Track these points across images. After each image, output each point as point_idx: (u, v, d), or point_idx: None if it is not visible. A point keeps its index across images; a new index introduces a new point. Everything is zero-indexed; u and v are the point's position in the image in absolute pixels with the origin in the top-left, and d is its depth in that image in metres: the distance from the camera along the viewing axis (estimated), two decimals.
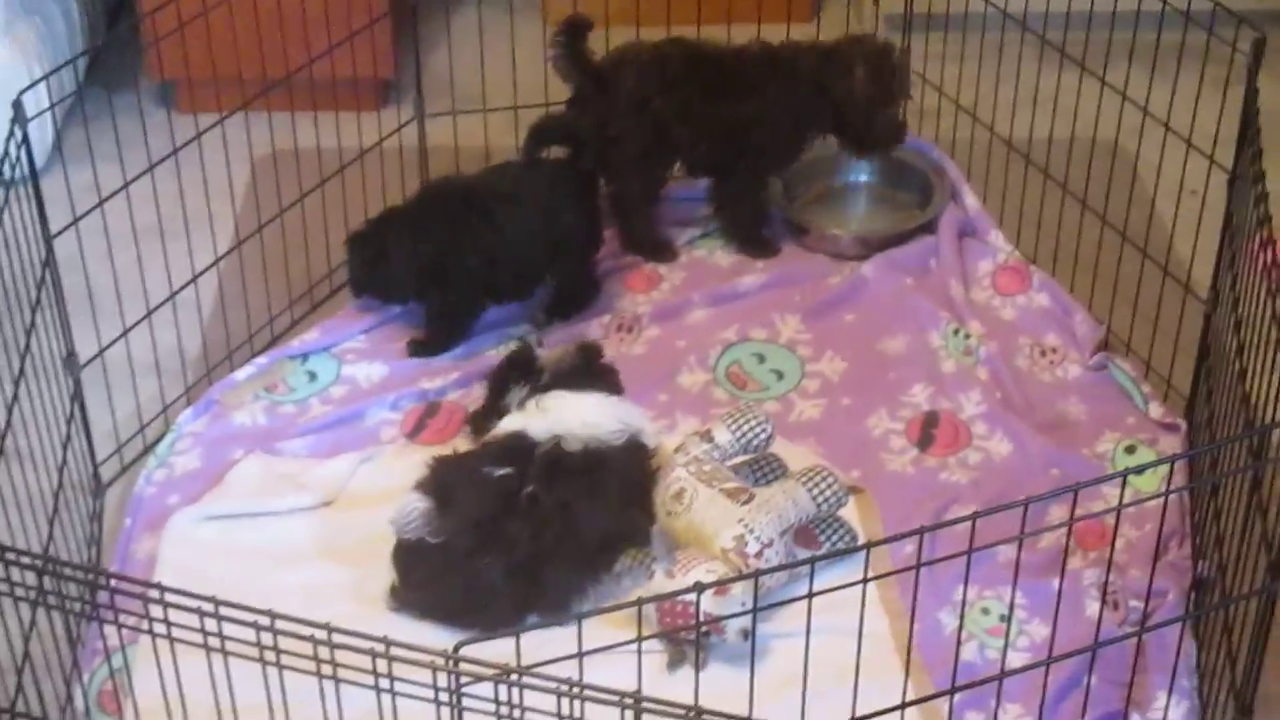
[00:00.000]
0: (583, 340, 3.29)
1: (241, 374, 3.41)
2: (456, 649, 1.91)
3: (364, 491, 3.13)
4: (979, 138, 3.81)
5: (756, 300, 3.62)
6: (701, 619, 2.68)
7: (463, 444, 3.17)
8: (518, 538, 2.79)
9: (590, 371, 3.13)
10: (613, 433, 2.94)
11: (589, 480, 2.87)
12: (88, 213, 3.05)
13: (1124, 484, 2.19)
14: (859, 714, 2.27)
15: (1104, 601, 2.79)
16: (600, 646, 2.05)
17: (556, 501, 2.82)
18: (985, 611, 2.92)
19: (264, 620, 1.97)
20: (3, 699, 2.28)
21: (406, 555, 2.85)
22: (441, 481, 2.86)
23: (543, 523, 2.81)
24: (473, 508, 2.81)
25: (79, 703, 2.70)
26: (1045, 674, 2.36)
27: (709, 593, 2.69)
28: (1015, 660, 2.72)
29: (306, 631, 1.97)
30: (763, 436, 3.05)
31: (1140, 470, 2.26)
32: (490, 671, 1.89)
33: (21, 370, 2.73)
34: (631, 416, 3.02)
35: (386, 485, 3.15)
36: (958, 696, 2.64)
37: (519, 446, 2.88)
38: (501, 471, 2.83)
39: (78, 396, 3.08)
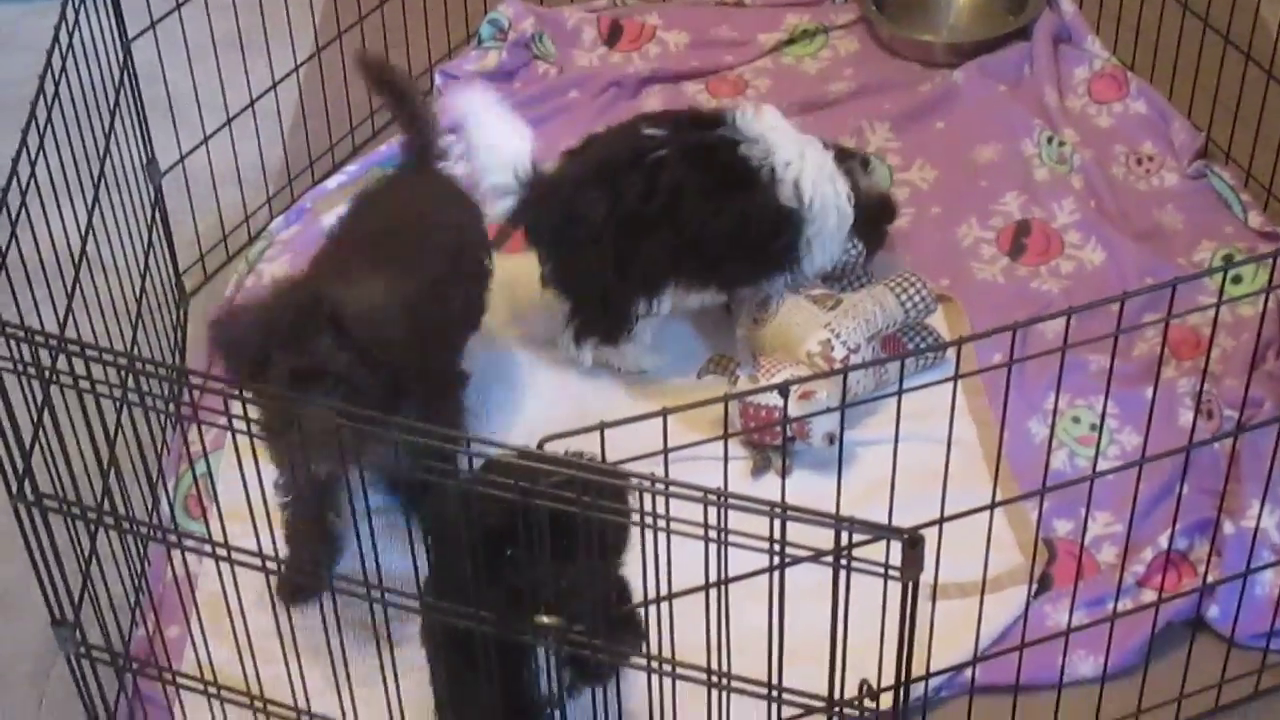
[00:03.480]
0: None
1: (333, 182, 3.40)
2: (541, 444, 1.89)
3: None
4: None
5: (846, 108, 3.55)
6: (787, 423, 2.66)
7: None
8: (626, 188, 2.83)
9: None
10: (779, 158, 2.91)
11: (710, 181, 2.86)
12: (166, 15, 3.03)
13: (1224, 280, 2.13)
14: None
15: (1198, 410, 2.73)
16: (686, 443, 2.03)
17: (672, 181, 2.84)
18: (1076, 420, 2.89)
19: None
20: (91, 504, 2.29)
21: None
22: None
23: (651, 189, 2.83)
24: (603, 147, 2.90)
25: (164, 507, 2.72)
26: (1138, 476, 2.31)
27: (794, 397, 2.67)
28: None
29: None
30: (853, 253, 3.01)
31: (1241, 265, 2.17)
32: (570, 468, 1.87)
33: (101, 173, 2.71)
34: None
35: None
36: (1047, 504, 2.62)
37: (692, 123, 2.92)
38: (652, 130, 2.88)
39: (159, 204, 3.07)
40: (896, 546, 1.79)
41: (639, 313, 2.93)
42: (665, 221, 2.86)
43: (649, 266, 2.89)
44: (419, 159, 2.88)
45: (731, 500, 1.82)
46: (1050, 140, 3.42)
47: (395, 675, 2.25)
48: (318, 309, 2.27)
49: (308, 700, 2.30)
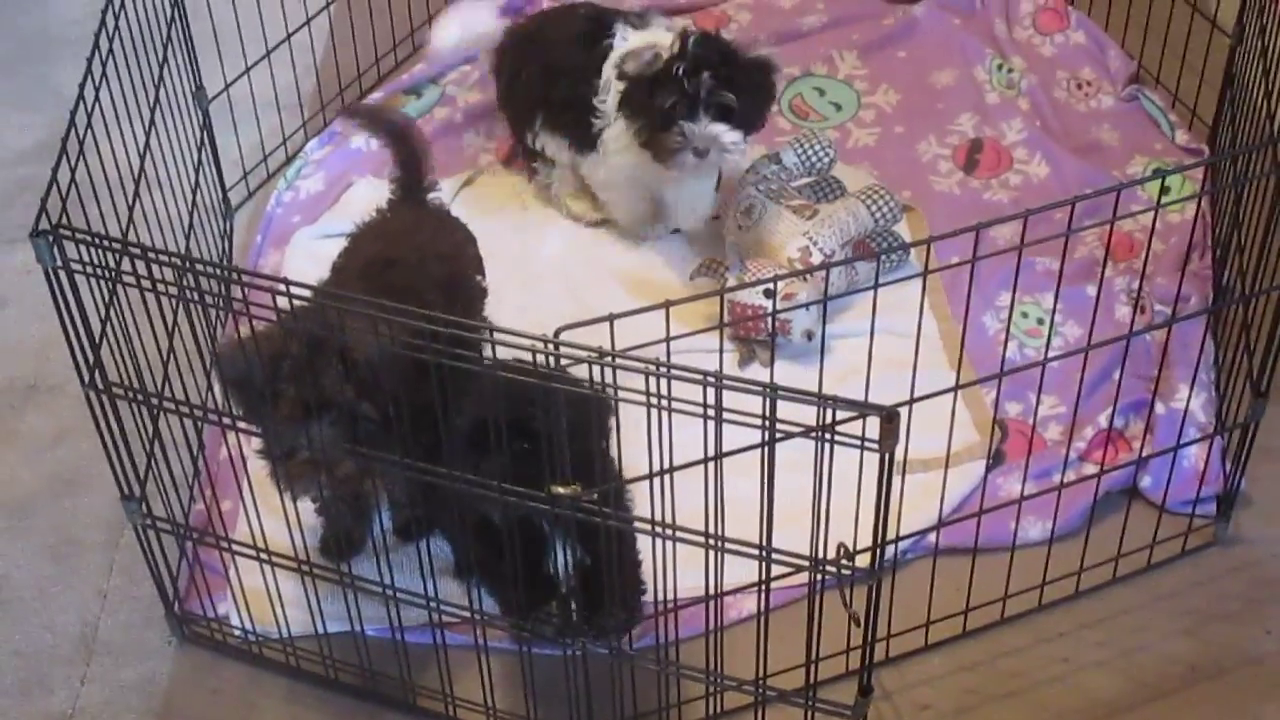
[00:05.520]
0: None
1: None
2: (557, 334, 1.86)
3: (463, 212, 3.06)
4: None
5: (817, 39, 3.49)
6: (770, 322, 2.63)
7: None
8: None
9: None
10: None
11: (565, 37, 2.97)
12: None
13: (1161, 188, 2.10)
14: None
15: (1136, 305, 2.72)
16: (686, 333, 2.00)
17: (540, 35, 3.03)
18: (1024, 315, 2.86)
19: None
20: (154, 391, 2.26)
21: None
22: None
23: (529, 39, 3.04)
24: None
25: (219, 393, 2.68)
26: (1083, 363, 2.29)
27: (778, 298, 2.62)
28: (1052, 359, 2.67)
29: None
30: (826, 160, 2.97)
31: (1171, 174, 2.13)
32: (585, 354, 1.84)
33: (156, 100, 2.66)
34: None
35: (483, 205, 3.10)
36: (998, 389, 2.61)
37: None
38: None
39: (207, 127, 3.01)
40: (873, 423, 1.77)
41: (528, 143, 3.07)
42: (532, 62, 3.02)
43: (517, 98, 3.07)
44: (412, 192, 2.70)
45: (726, 381, 1.79)
46: (1000, 67, 3.38)
47: (428, 544, 2.23)
48: (328, 346, 2.08)
49: (349, 564, 2.28)
